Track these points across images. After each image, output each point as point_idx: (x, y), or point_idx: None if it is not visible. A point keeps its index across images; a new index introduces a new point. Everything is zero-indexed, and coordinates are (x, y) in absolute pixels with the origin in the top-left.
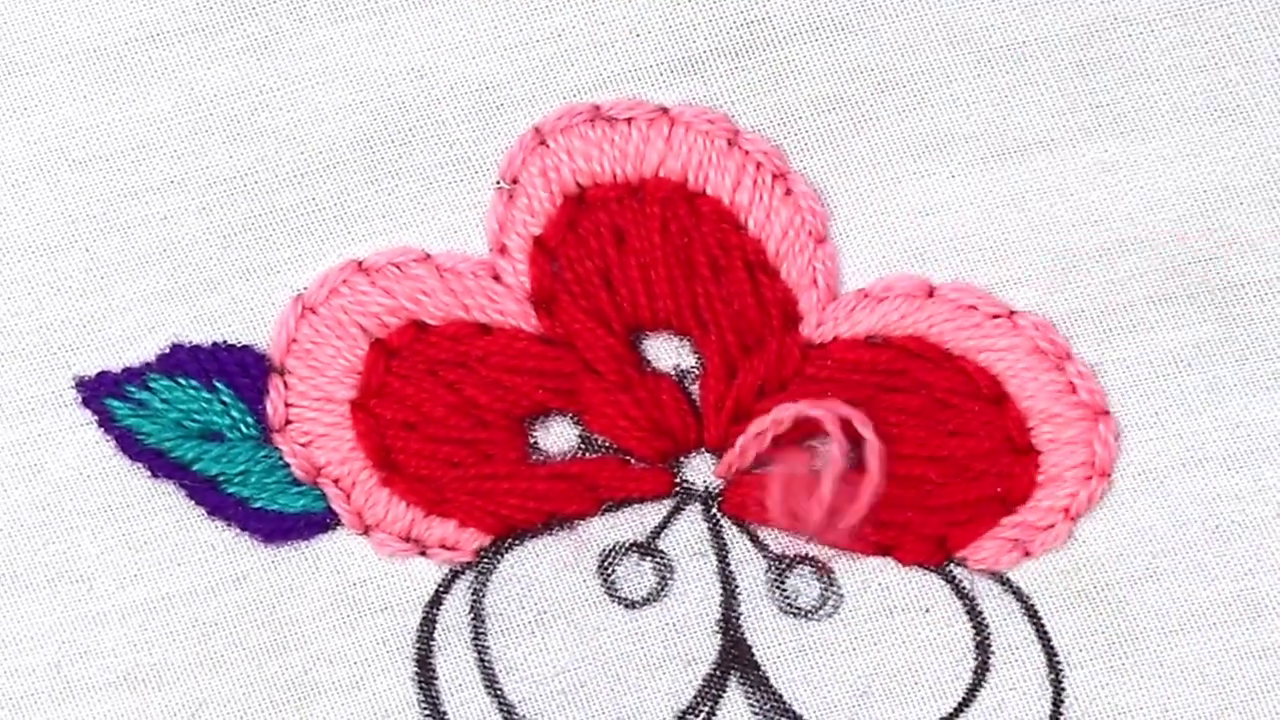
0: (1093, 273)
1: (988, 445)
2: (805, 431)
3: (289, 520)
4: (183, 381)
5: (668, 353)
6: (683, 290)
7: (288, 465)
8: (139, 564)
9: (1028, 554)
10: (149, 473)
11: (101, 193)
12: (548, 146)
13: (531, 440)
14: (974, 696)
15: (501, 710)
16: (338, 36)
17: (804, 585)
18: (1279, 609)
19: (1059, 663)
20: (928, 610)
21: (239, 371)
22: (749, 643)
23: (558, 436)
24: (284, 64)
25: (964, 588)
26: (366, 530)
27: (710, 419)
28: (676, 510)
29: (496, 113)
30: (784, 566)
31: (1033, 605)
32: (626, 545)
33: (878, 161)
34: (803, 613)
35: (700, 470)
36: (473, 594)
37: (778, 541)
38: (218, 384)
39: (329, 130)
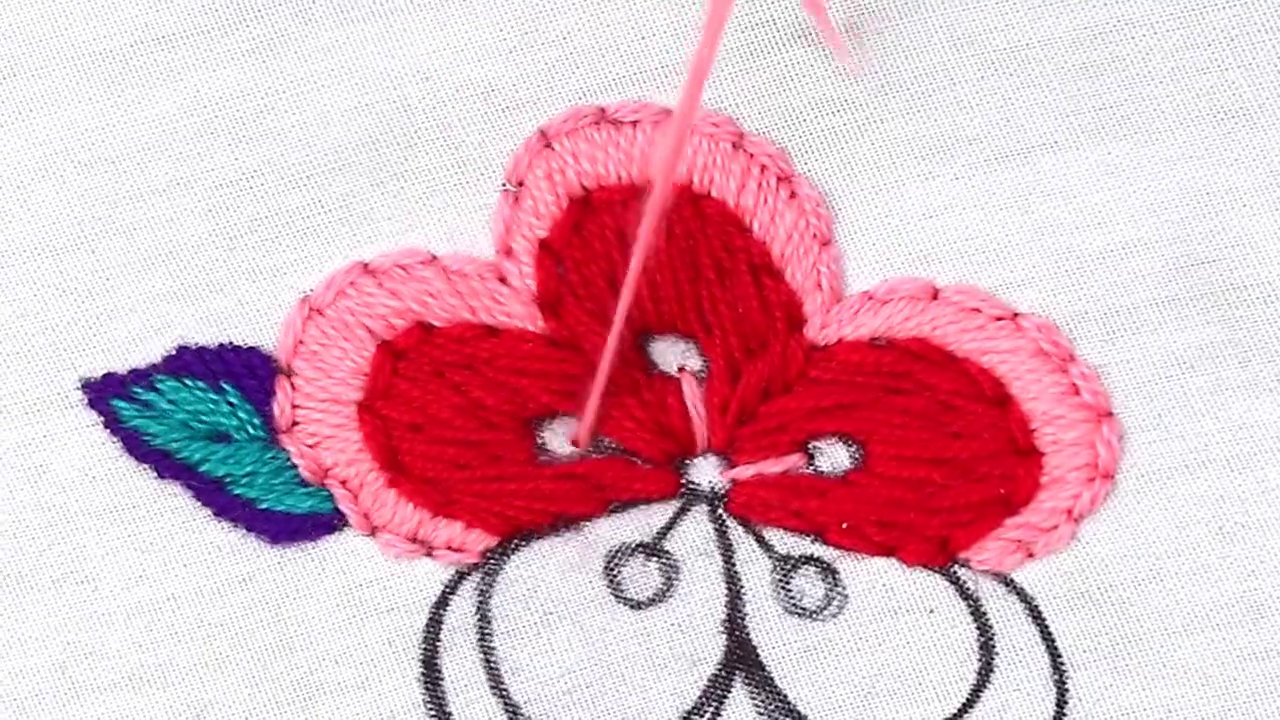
0: (1096, 275)
1: (991, 447)
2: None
3: (296, 521)
4: (189, 383)
5: (674, 355)
6: (687, 293)
7: (295, 466)
8: (145, 565)
9: (1031, 555)
10: (155, 474)
11: (107, 195)
12: (553, 149)
13: (538, 441)
14: (978, 697)
15: (507, 710)
16: (343, 39)
17: (809, 586)
18: None
19: (1063, 664)
20: (932, 611)
21: (246, 373)
22: (754, 643)
23: (564, 438)
24: (290, 66)
25: (968, 589)
26: (373, 531)
27: (715, 421)
28: (682, 511)
29: (502, 115)
30: (789, 567)
31: (1037, 606)
32: (632, 546)
33: (882, 164)
34: (808, 613)
35: (706, 471)
36: (479, 595)
37: (783, 542)
38: (225, 385)
39: (335, 132)
